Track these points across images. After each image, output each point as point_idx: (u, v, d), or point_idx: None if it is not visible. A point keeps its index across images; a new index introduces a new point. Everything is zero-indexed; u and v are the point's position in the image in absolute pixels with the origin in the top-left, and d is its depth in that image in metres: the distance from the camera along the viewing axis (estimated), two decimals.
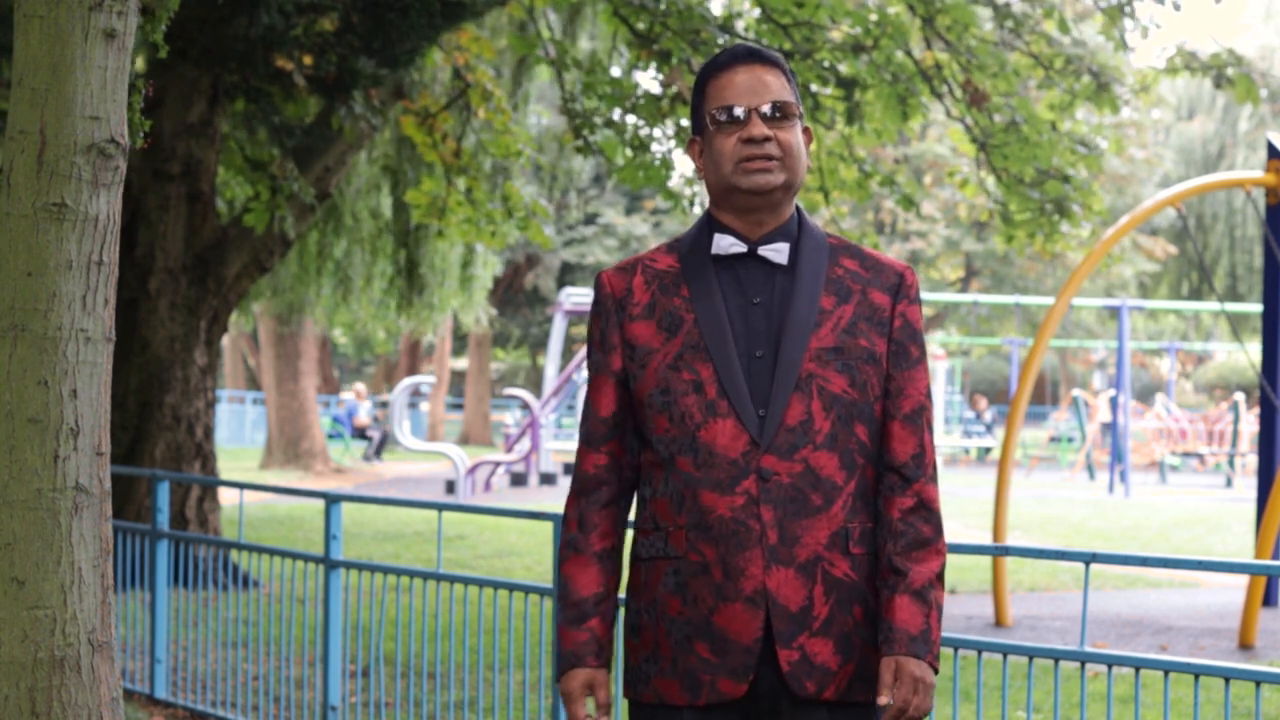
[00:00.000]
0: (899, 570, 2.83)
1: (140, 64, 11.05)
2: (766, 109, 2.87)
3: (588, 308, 26.60)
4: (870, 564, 2.86)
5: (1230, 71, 10.87)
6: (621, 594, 3.96)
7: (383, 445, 30.14)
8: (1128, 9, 10.97)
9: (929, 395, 2.93)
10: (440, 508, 5.85)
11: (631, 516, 3.00)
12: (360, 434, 30.82)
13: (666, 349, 2.87)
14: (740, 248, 2.88)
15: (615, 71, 13.52)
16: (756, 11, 10.92)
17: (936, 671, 2.84)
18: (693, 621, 2.82)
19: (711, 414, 2.82)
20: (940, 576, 2.86)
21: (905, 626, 2.79)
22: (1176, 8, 11.01)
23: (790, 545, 2.79)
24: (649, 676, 2.87)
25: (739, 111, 2.87)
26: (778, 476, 2.79)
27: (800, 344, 2.82)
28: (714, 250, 2.89)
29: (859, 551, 2.84)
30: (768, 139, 2.85)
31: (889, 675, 2.79)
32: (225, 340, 32.47)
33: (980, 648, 4.34)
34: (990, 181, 11.23)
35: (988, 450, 32.14)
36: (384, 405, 35.40)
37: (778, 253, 2.88)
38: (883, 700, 2.79)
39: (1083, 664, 4.19)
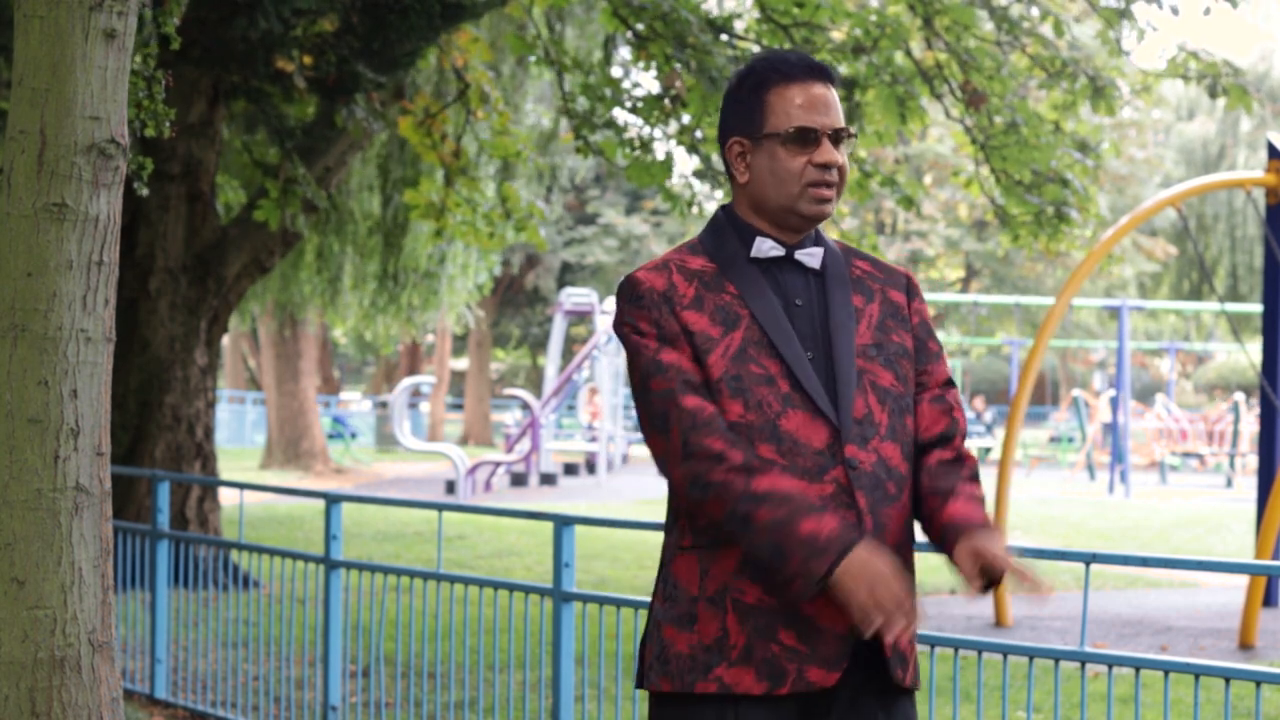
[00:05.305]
0: (948, 490, 2.84)
1: (138, 60, 11.03)
2: (835, 134, 2.87)
3: (588, 308, 26.74)
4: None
5: (1225, 81, 10.87)
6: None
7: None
8: (1124, 13, 10.96)
9: (951, 384, 2.97)
10: (440, 508, 5.86)
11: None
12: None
13: (728, 340, 2.82)
14: (779, 251, 2.89)
15: (615, 71, 13.51)
16: (756, 12, 10.91)
17: None
18: (776, 610, 2.76)
19: (789, 405, 2.80)
20: (984, 501, 2.87)
21: (969, 520, 2.80)
22: (1175, 12, 11.01)
23: (880, 533, 2.80)
24: (709, 665, 2.78)
25: (813, 133, 2.85)
26: (862, 465, 2.80)
27: (848, 342, 2.85)
28: (753, 254, 2.88)
29: (913, 541, 2.90)
30: (836, 165, 2.87)
31: (970, 563, 2.74)
32: (225, 340, 32.46)
33: (980, 648, 4.34)
34: (991, 182, 11.23)
35: (988, 450, 32.11)
36: (384, 405, 35.38)
37: (812, 257, 2.90)
38: (978, 586, 2.75)
39: (1083, 664, 4.19)
